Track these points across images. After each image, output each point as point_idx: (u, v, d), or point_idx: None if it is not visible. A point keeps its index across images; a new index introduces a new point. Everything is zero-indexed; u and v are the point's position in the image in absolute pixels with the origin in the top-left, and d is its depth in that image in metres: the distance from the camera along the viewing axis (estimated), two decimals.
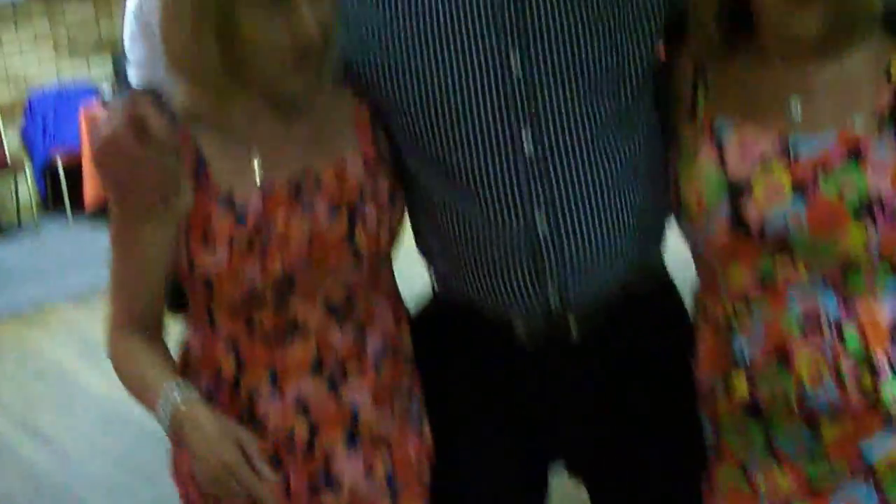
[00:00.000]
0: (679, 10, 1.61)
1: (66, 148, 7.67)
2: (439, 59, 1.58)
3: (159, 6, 1.49)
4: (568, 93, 1.58)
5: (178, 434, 1.51)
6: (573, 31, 1.57)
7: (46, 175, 7.72)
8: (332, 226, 1.58)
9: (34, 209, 7.46)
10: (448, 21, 1.58)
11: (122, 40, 5.56)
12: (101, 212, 7.44)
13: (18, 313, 5.82)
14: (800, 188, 1.49)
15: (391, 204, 1.66)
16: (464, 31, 1.57)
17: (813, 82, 1.53)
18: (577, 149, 1.61)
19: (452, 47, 1.58)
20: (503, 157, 1.60)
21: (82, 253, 6.82)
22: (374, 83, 1.64)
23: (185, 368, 1.68)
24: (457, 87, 1.58)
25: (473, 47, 1.57)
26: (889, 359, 1.50)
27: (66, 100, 7.80)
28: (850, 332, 1.51)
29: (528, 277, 1.64)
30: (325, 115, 1.62)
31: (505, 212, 1.62)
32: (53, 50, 7.89)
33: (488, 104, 1.58)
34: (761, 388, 1.56)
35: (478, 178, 1.62)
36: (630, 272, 1.70)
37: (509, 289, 1.65)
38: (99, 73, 8.01)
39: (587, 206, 1.63)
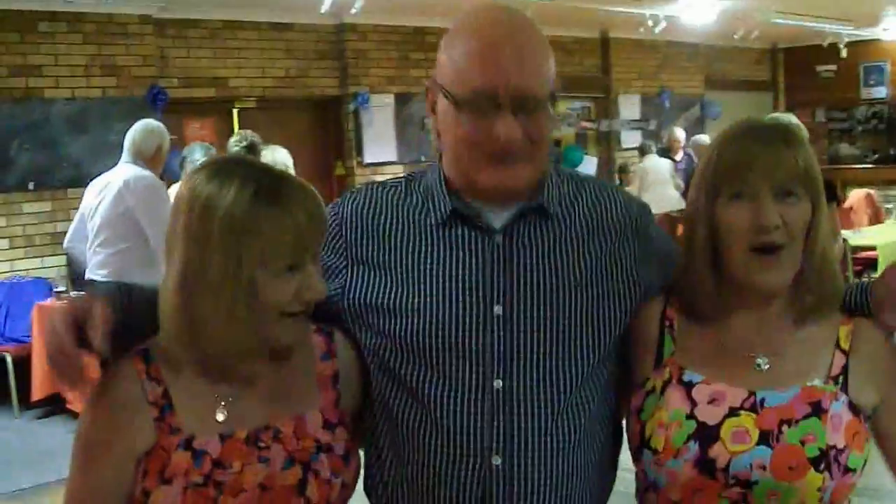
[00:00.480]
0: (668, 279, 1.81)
1: (16, 342, 7.71)
2: (431, 299, 1.72)
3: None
4: (543, 346, 1.71)
5: None
6: (555, 294, 1.73)
7: None
8: (286, 475, 1.63)
9: None
10: (443, 271, 1.73)
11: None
12: (47, 406, 7.48)
13: None
14: (765, 436, 1.63)
15: (345, 462, 1.72)
16: (456, 282, 1.72)
17: (779, 345, 1.71)
18: (544, 401, 1.70)
19: (445, 292, 1.72)
20: (472, 392, 1.69)
21: (29, 448, 6.77)
22: (364, 316, 1.76)
23: None
24: (444, 324, 1.70)
25: (463, 296, 1.71)
26: None
27: (18, 294, 7.89)
28: None
29: None
30: (291, 372, 1.71)
31: (464, 441, 1.69)
32: (9, 244, 8.04)
33: (469, 344, 1.70)
34: None
35: (445, 408, 1.70)
36: None
37: None
38: (53, 269, 8.16)
39: (544, 450, 1.70)
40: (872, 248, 9.08)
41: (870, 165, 15.77)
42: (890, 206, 10.58)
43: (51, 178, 8.23)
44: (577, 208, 1.82)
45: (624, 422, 1.84)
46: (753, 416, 1.65)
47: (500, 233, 1.74)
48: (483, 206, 1.75)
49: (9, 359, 7.52)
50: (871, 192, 12.31)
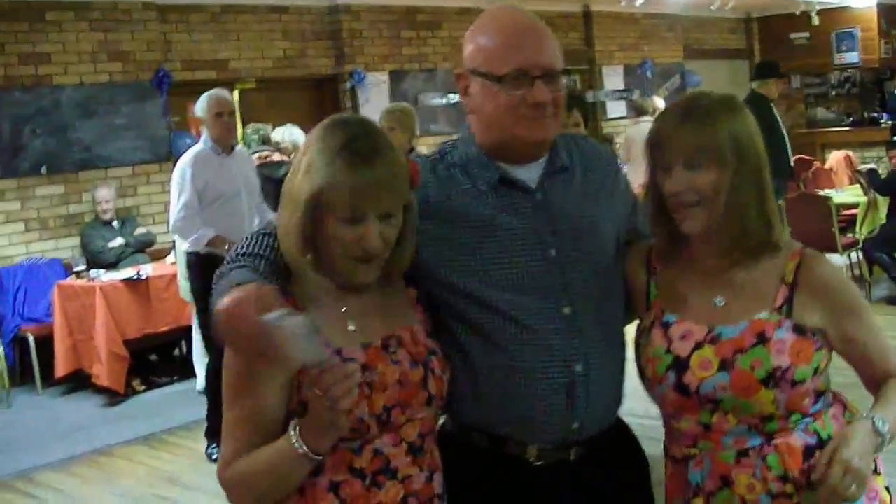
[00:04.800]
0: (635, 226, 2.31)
1: (36, 321, 7.98)
2: (501, 255, 2.12)
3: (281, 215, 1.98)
4: (590, 274, 2.16)
5: (321, 443, 1.83)
6: (587, 231, 2.18)
7: (15, 348, 7.96)
8: (413, 372, 1.98)
9: (6, 381, 7.65)
10: (502, 229, 2.13)
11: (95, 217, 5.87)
12: (70, 383, 7.75)
13: (4, 482, 5.92)
14: (723, 364, 2.02)
15: (448, 362, 2.09)
16: (518, 239, 2.13)
17: (732, 285, 2.10)
18: (595, 311, 2.16)
19: (509, 246, 2.12)
20: (551, 320, 2.12)
21: (56, 423, 7.02)
22: (456, 280, 2.13)
23: None
24: (514, 273, 2.12)
25: (524, 246, 2.13)
26: (804, 474, 2.00)
27: (35, 275, 8.14)
28: (772, 458, 2.03)
29: (559, 412, 2.11)
30: (396, 297, 2.08)
31: (548, 359, 2.11)
32: (24, 228, 8.27)
33: (540, 283, 2.12)
34: None
35: (533, 333, 2.11)
36: (615, 410, 2.24)
37: (541, 423, 2.12)
38: (67, 250, 8.39)
39: (604, 353, 2.17)
40: (854, 206, 9.40)
41: (846, 128, 16.14)
42: (869, 166, 10.89)
43: (62, 162, 8.42)
44: (577, 158, 2.26)
45: None
46: (713, 347, 2.04)
47: (538, 190, 2.16)
48: (517, 169, 2.16)
49: (31, 338, 7.76)
50: (850, 153, 12.63)
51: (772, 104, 8.64)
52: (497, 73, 2.07)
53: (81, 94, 8.54)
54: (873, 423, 1.96)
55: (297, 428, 1.84)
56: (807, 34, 15.85)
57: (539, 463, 2.15)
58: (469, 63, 2.14)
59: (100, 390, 7.48)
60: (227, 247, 5.80)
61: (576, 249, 2.15)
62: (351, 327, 1.97)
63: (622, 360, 2.22)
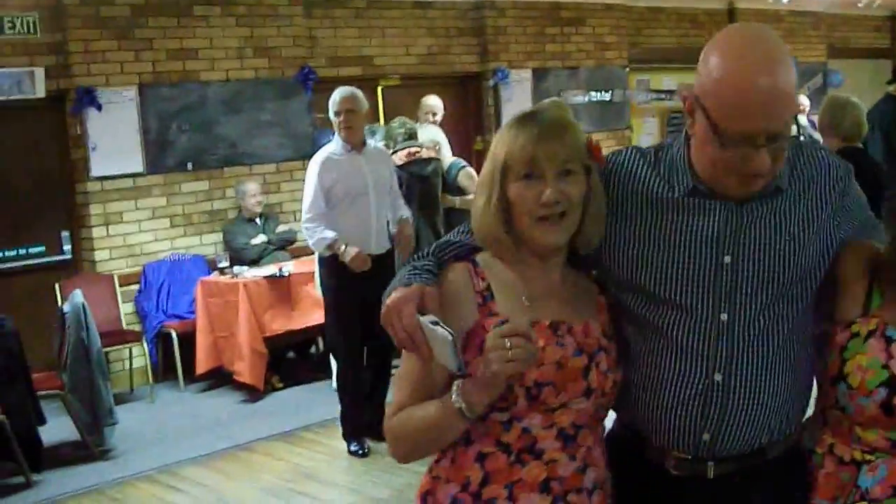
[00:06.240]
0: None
1: (179, 318, 8.01)
2: (673, 252, 2.08)
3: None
4: (763, 290, 2.06)
5: (476, 395, 1.92)
6: (777, 249, 2.06)
7: (158, 344, 8.00)
8: (576, 360, 2.01)
9: (149, 376, 7.71)
10: (683, 229, 2.08)
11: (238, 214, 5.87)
12: (211, 379, 7.76)
13: (150, 475, 5.99)
14: None
15: (617, 364, 2.11)
16: (694, 240, 2.07)
17: None
18: (759, 320, 2.06)
19: (685, 248, 2.07)
20: (702, 323, 2.06)
21: (197, 418, 7.07)
22: (623, 268, 2.12)
23: (434, 478, 2.09)
24: (684, 274, 2.07)
25: (699, 247, 2.07)
26: None
27: (178, 272, 8.18)
28: None
29: (692, 420, 2.07)
30: (577, 289, 2.14)
31: (694, 360, 2.06)
32: (169, 224, 8.30)
33: (704, 286, 2.06)
34: None
35: (679, 334, 2.07)
36: (773, 433, 2.10)
37: (673, 426, 2.08)
38: (210, 246, 8.42)
39: (758, 366, 2.06)
40: None
41: None
42: None
43: (208, 158, 8.45)
44: (794, 174, 2.11)
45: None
46: None
47: (736, 203, 2.05)
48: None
49: (174, 334, 7.82)
50: None
51: None
52: (723, 131, 1.94)
53: (227, 91, 8.57)
54: None
55: (460, 384, 1.93)
56: None
57: (676, 473, 2.12)
58: (698, 90, 1.99)
59: (240, 387, 7.51)
60: (342, 248, 5.87)
61: (755, 264, 2.06)
62: (526, 302, 2.04)
63: (792, 378, 2.11)
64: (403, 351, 2.03)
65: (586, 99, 11.27)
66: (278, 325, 7.53)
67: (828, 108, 5.45)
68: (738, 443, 2.08)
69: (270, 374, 7.62)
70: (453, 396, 1.93)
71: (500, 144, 2.04)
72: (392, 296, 2.00)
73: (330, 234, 5.90)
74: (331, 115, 6.06)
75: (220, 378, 7.77)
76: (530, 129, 2.00)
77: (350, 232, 5.93)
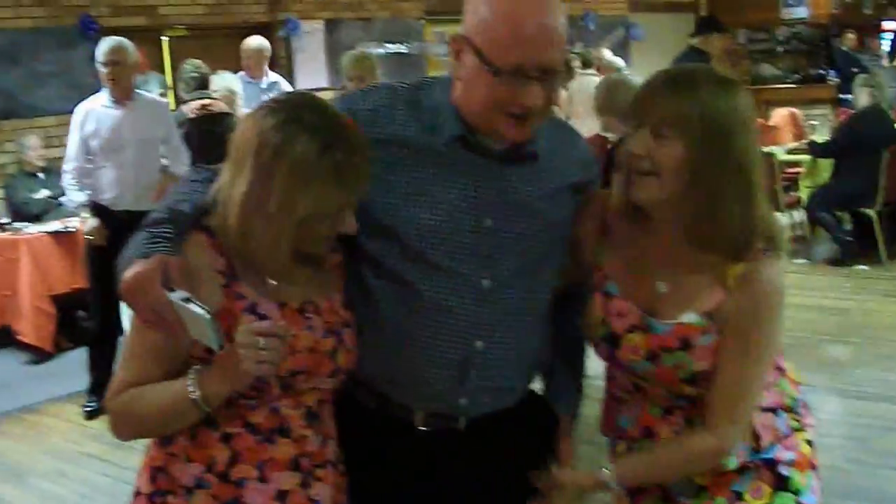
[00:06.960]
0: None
1: None
2: (433, 210, 2.02)
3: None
4: (522, 253, 2.06)
5: (216, 386, 1.83)
6: (535, 211, 2.07)
7: None
8: (325, 342, 1.97)
9: None
10: (444, 187, 2.03)
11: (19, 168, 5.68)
12: None
13: None
14: (649, 354, 2.03)
15: (359, 336, 2.06)
16: (456, 198, 2.03)
17: (676, 273, 2.03)
18: (520, 287, 2.07)
19: (445, 205, 2.02)
20: (463, 288, 2.03)
21: None
22: (379, 221, 2.02)
23: (170, 455, 1.97)
24: (443, 232, 2.02)
25: (460, 208, 2.03)
26: None
27: None
28: (698, 419, 2.06)
29: (450, 386, 2.06)
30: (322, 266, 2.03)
31: (453, 328, 2.03)
32: None
33: (465, 247, 2.03)
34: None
35: (439, 299, 2.03)
36: (524, 387, 2.19)
37: (426, 391, 2.07)
38: None
39: (519, 333, 2.09)
40: (798, 164, 9.33)
41: (792, 85, 16.04)
42: (814, 123, 10.77)
43: None
44: (549, 143, 2.12)
45: None
46: (643, 336, 2.04)
47: (496, 158, 2.04)
48: (485, 139, 2.03)
49: None
50: (795, 111, 12.55)
51: (711, 61, 8.43)
52: (496, 63, 1.91)
53: (3, 40, 8.19)
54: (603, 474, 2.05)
55: (198, 373, 1.83)
56: None
57: (425, 428, 2.11)
58: (469, 31, 1.97)
59: (26, 347, 7.22)
60: (85, 218, 5.80)
61: (512, 229, 2.06)
62: (272, 282, 1.94)
63: (546, 340, 2.18)
64: (134, 325, 1.90)
65: (382, 51, 11.22)
66: (66, 283, 7.29)
67: (604, 87, 5.55)
68: (493, 405, 2.12)
69: (59, 335, 7.37)
70: (189, 385, 1.83)
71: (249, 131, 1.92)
72: (131, 270, 1.81)
73: (78, 197, 5.82)
74: (98, 66, 5.90)
75: (3, 338, 7.42)
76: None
77: (107, 186, 5.84)
